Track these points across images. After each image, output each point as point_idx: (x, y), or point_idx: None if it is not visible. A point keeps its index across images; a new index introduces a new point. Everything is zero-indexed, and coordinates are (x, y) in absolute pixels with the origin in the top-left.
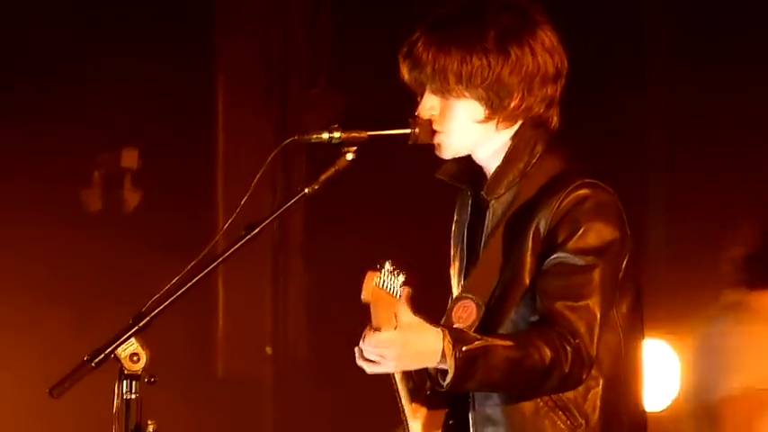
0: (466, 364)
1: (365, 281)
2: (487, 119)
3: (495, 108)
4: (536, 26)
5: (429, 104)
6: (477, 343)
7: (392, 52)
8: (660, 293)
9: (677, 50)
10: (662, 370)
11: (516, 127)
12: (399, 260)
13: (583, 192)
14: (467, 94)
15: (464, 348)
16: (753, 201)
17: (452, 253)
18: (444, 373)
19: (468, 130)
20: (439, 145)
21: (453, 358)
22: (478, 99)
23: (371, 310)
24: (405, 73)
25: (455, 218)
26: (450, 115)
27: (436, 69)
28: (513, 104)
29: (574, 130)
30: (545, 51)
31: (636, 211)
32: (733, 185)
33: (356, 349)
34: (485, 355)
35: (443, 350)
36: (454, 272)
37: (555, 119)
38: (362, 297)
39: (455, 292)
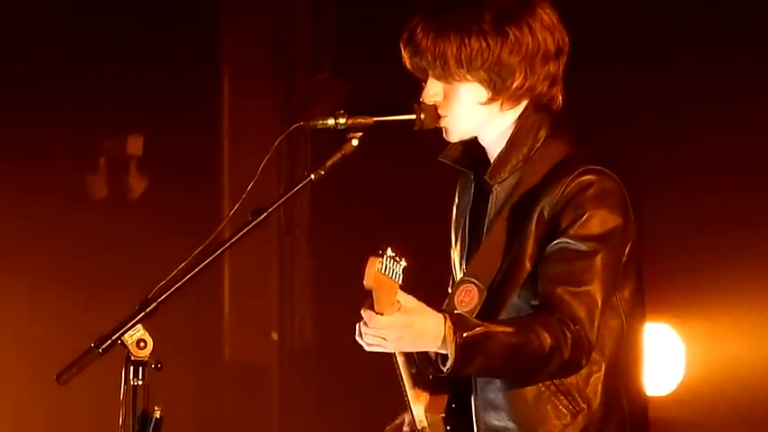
0: (466, 350)
1: (367, 267)
2: (491, 100)
3: (499, 89)
4: (533, 4)
5: (432, 90)
6: (477, 329)
7: (397, 38)
8: (664, 278)
9: (673, 31)
10: (666, 354)
11: (521, 108)
12: (403, 245)
13: (587, 178)
14: (469, 77)
15: (465, 334)
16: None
17: (453, 237)
18: (445, 357)
19: (474, 113)
20: (446, 129)
21: (454, 344)
22: (481, 81)
23: (374, 295)
24: (406, 60)
25: (456, 201)
26: (454, 99)
27: (436, 55)
28: (515, 84)
29: (571, 111)
30: (544, 29)
31: (637, 193)
32: (736, 167)
33: (357, 326)
34: (485, 341)
35: (444, 335)
36: (456, 256)
37: (559, 98)
38: (365, 283)
39: (457, 275)
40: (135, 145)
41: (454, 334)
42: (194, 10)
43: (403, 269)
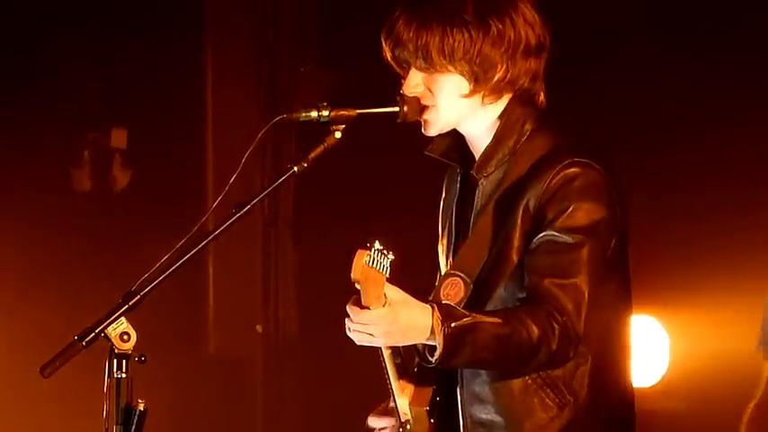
0: (454, 340)
1: (355, 260)
2: (473, 92)
3: (480, 81)
4: None
5: (414, 81)
6: (465, 319)
7: (381, 30)
8: (650, 271)
9: (664, 32)
10: (651, 346)
11: (504, 103)
12: (388, 237)
13: (572, 170)
14: (450, 68)
15: (453, 324)
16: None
17: (440, 230)
18: (433, 348)
19: (455, 105)
20: (426, 121)
21: (442, 334)
22: (462, 73)
23: (361, 288)
24: (387, 52)
25: (443, 195)
26: (435, 90)
27: (418, 46)
28: (497, 77)
29: (560, 109)
30: (526, 24)
31: (622, 186)
32: (722, 163)
33: (346, 322)
34: (473, 332)
35: (432, 326)
36: (442, 249)
37: (542, 95)
38: (352, 276)
39: (443, 269)
40: (119, 138)
41: (442, 324)
42: (178, 2)
43: (390, 262)
